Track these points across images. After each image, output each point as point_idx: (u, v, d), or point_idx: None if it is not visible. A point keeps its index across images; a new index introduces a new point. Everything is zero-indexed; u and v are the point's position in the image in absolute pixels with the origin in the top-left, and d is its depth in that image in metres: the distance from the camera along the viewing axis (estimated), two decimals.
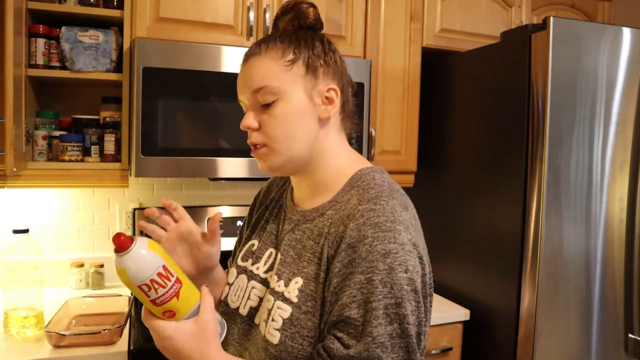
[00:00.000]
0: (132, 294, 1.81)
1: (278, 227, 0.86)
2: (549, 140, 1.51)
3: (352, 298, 0.66)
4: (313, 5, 0.81)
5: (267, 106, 0.76)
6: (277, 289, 0.77)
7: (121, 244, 0.71)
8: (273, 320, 0.75)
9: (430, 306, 0.77)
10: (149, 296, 0.69)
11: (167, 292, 0.69)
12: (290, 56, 0.76)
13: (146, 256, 0.70)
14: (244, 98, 0.79)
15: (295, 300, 0.74)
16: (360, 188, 0.76)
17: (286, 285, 0.76)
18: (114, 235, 0.72)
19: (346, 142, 0.84)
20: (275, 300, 0.76)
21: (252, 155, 0.80)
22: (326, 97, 0.78)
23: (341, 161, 0.81)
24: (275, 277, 0.79)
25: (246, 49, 0.82)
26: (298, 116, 0.76)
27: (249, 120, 0.77)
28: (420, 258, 0.70)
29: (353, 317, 0.66)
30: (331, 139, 0.80)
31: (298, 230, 0.81)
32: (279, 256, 0.81)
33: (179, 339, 0.70)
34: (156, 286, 0.69)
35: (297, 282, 0.75)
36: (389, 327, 0.65)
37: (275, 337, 0.73)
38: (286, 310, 0.74)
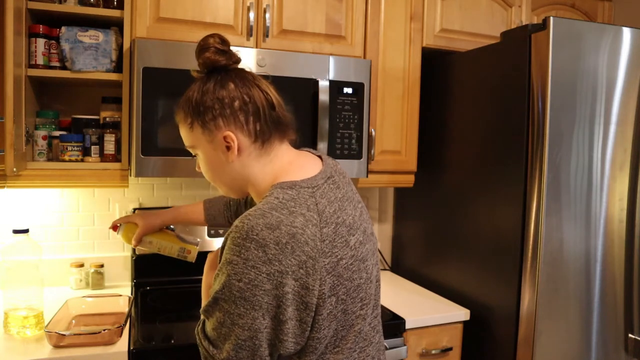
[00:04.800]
0: (131, 294, 1.81)
1: None
2: (549, 140, 1.51)
3: (213, 282, 0.85)
4: (213, 48, 0.91)
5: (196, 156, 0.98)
6: None
7: (113, 229, 1.41)
8: None
9: (306, 322, 0.82)
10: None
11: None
12: (189, 119, 0.93)
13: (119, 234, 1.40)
14: None
15: None
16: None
17: None
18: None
19: (277, 156, 0.94)
20: None
21: None
22: (227, 143, 0.91)
23: (267, 180, 0.93)
24: None
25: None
26: (213, 164, 0.95)
27: (197, 166, 1.01)
28: (270, 275, 0.78)
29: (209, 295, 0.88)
30: (252, 167, 0.93)
31: None
32: None
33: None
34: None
35: None
36: (218, 313, 0.82)
37: None
38: None
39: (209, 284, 1.00)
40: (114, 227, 1.42)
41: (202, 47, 0.91)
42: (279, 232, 0.79)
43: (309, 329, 0.83)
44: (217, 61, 0.91)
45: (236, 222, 0.82)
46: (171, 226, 1.47)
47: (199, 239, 1.41)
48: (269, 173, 0.93)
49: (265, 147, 0.92)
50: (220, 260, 0.85)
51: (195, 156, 0.99)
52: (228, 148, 0.91)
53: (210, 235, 1.95)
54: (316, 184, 0.89)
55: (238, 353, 0.80)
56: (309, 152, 1.01)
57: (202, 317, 0.88)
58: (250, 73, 0.95)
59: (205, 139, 0.92)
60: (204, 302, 0.98)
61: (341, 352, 0.87)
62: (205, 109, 0.90)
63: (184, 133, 0.96)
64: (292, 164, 0.93)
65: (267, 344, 0.81)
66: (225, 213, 1.42)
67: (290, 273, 0.79)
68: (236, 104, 0.90)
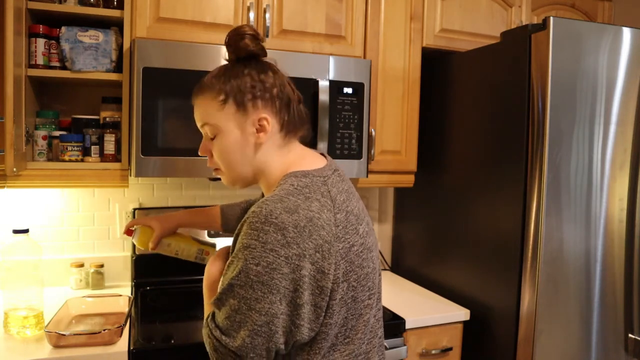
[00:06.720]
0: (131, 294, 1.81)
1: None
2: (549, 140, 1.51)
3: (225, 271, 0.85)
4: (249, 35, 0.92)
5: (213, 138, 0.94)
6: None
7: (128, 234, 1.38)
8: None
9: (323, 307, 0.84)
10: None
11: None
12: (222, 97, 0.91)
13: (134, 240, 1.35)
14: (199, 128, 0.97)
15: None
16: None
17: None
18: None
19: (292, 149, 0.96)
20: None
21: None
22: (259, 126, 0.91)
23: (279, 170, 0.94)
24: None
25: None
26: (235, 147, 0.92)
27: (202, 149, 0.97)
28: (288, 258, 0.79)
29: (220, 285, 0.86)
30: (272, 155, 0.94)
31: None
32: None
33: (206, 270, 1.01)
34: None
35: None
36: (232, 300, 0.81)
37: None
38: None
39: (213, 273, 0.99)
40: (128, 232, 1.37)
41: (237, 33, 0.92)
42: (297, 216, 0.81)
43: (323, 314, 0.84)
44: (253, 47, 0.92)
45: (253, 208, 0.82)
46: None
47: (214, 242, 1.39)
48: (282, 164, 0.94)
49: (286, 139, 0.95)
50: (232, 250, 0.85)
51: (212, 138, 0.95)
52: (259, 131, 0.91)
53: (210, 236, 1.95)
54: (326, 174, 0.92)
55: (253, 340, 0.80)
56: (313, 150, 1.04)
57: (210, 309, 0.87)
58: (278, 69, 0.97)
59: (234, 118, 0.91)
60: (205, 295, 0.98)
61: (352, 343, 0.89)
62: (246, 88, 0.90)
63: (211, 110, 0.92)
64: (304, 158, 0.96)
65: (283, 331, 0.81)
66: (242, 216, 1.39)
67: (307, 256, 0.80)
68: (275, 90, 0.92)
